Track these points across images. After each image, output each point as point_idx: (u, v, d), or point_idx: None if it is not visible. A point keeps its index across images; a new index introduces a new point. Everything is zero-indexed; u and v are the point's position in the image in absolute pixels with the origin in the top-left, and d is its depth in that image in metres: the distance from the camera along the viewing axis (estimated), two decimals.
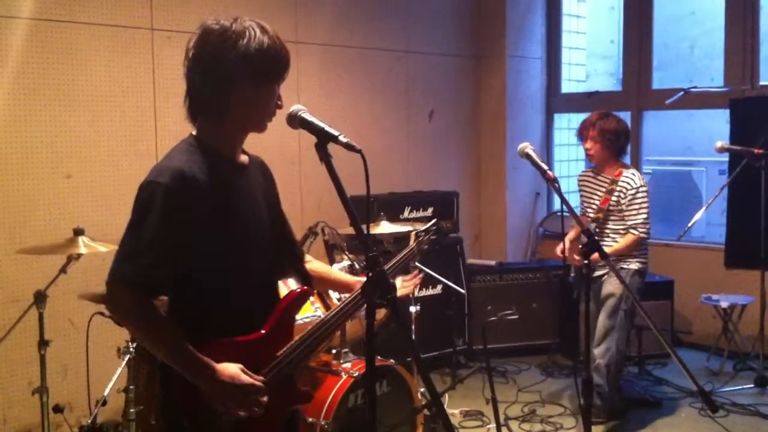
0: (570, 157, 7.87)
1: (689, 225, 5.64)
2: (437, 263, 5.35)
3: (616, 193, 4.76)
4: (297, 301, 2.44)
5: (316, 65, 5.92)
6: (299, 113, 2.24)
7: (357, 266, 4.23)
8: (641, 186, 4.74)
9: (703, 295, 5.90)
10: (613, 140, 4.81)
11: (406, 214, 5.98)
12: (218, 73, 2.21)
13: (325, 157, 2.18)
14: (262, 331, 2.31)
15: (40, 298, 3.81)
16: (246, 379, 2.18)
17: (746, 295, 5.77)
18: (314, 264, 2.68)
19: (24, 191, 4.36)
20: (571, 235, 4.95)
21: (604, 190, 4.85)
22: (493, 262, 6.55)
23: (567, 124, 7.80)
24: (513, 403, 5.23)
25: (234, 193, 2.29)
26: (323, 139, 2.19)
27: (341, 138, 2.17)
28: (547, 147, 7.63)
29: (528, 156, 3.43)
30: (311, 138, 2.23)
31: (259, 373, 2.25)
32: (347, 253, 4.32)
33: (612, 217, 4.81)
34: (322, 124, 2.21)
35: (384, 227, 4.72)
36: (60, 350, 4.33)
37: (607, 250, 4.51)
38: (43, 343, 3.84)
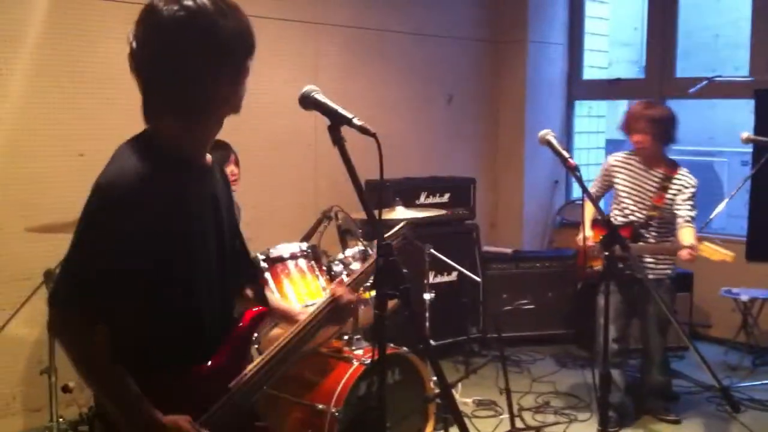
0: (590, 145, 7.76)
1: (711, 217, 5.52)
2: (452, 250, 5.28)
3: (672, 191, 4.60)
4: (253, 323, 2.16)
5: (335, 47, 5.84)
6: (312, 94, 2.16)
7: (370, 252, 4.17)
8: (695, 184, 4.62)
9: (723, 288, 5.80)
10: (664, 130, 4.60)
11: (422, 199, 5.90)
12: (196, 67, 1.93)
13: (338, 141, 2.10)
14: (210, 363, 2.02)
15: (49, 277, 3.78)
16: None
17: (767, 289, 5.66)
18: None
19: (36, 170, 4.32)
20: (589, 224, 4.82)
21: (655, 186, 4.65)
22: (508, 250, 6.46)
23: (588, 112, 7.69)
24: (526, 394, 5.16)
25: (192, 205, 1.99)
26: (337, 121, 2.11)
27: (355, 121, 2.09)
28: (567, 134, 7.51)
29: (549, 143, 3.35)
30: (326, 120, 2.15)
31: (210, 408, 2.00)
32: (360, 238, 4.26)
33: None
34: (335, 106, 2.13)
35: (399, 212, 4.64)
36: None
37: (686, 240, 4.37)
38: None
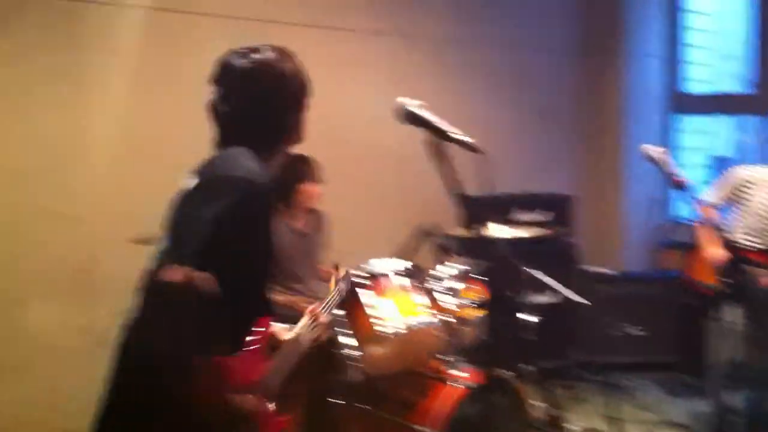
0: (693, 162, 7.42)
1: None
2: (549, 270, 5.06)
3: None
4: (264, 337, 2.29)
5: (423, 59, 5.74)
6: (414, 109, 2.03)
7: (469, 270, 4.01)
8: None
9: None
10: None
11: (518, 216, 5.71)
12: (269, 108, 2.25)
13: (440, 156, 1.97)
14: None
15: None
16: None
17: None
18: None
19: (143, 181, 4.32)
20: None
21: None
22: (609, 271, 6.19)
23: (690, 128, 7.36)
24: (631, 423, 4.88)
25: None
26: (440, 137, 1.98)
27: (461, 137, 1.95)
28: (669, 150, 7.19)
29: (651, 159, 3.12)
30: (420, 133, 2.03)
31: None
32: (455, 254, 4.11)
33: None
34: (440, 122, 2.00)
35: (496, 230, 4.46)
36: None
37: None
38: None
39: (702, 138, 7.56)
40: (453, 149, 2.02)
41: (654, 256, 6.95)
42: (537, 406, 4.20)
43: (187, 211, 2.14)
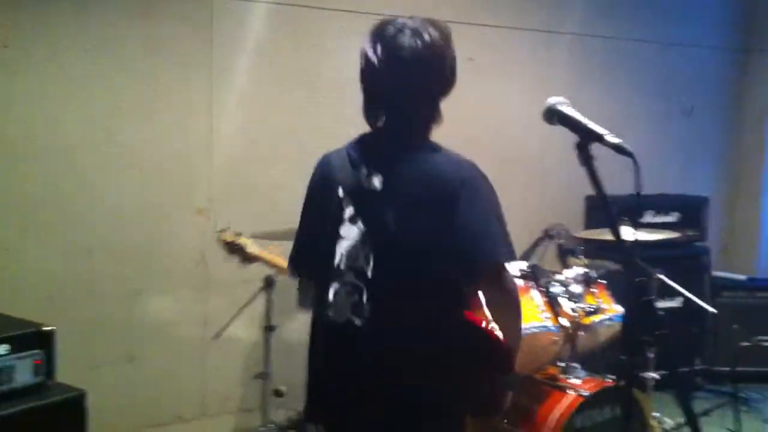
0: None
1: None
2: (678, 274, 4.89)
3: None
4: None
5: (567, 56, 5.60)
6: (558, 107, 1.98)
7: (592, 274, 3.93)
8: None
9: None
10: None
11: (648, 218, 5.53)
12: (433, 91, 2.24)
13: (587, 159, 1.92)
14: None
15: (269, 283, 3.85)
16: None
17: None
18: None
19: (271, 179, 4.43)
20: None
21: None
22: (742, 277, 5.93)
23: None
24: None
25: None
26: (587, 138, 1.93)
27: (609, 138, 1.90)
28: None
29: None
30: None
31: None
32: (581, 257, 4.03)
33: None
34: (586, 121, 1.96)
35: (624, 233, 4.32)
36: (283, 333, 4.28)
37: None
38: (269, 328, 3.88)
39: None
40: (598, 150, 1.97)
41: None
42: (658, 417, 4.10)
43: (447, 220, 2.14)
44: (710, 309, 4.46)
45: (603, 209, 1.92)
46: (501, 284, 2.23)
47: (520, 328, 2.32)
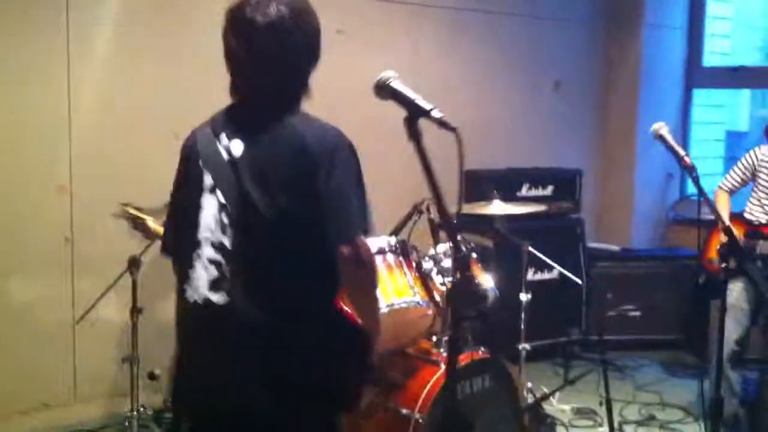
0: (708, 137, 7.26)
1: None
2: (554, 246, 4.99)
3: None
4: None
5: (435, 29, 5.61)
6: (388, 81, 1.94)
7: (465, 249, 3.93)
8: None
9: None
10: None
11: (524, 191, 5.62)
12: (312, 57, 2.22)
13: (414, 134, 1.90)
14: None
15: (134, 264, 3.73)
16: None
17: None
18: None
19: (136, 154, 4.28)
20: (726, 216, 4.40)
21: None
22: (616, 248, 6.10)
23: (706, 101, 7.18)
24: (629, 404, 4.83)
25: None
26: (414, 113, 1.91)
27: (434, 113, 1.88)
28: (683, 125, 7.04)
29: (662, 138, 3.02)
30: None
31: None
32: (457, 233, 4.02)
33: None
34: (413, 96, 1.93)
35: (496, 206, 4.37)
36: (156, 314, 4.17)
37: None
38: (136, 310, 3.76)
39: (719, 112, 7.40)
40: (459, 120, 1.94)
41: (665, 233, 6.84)
42: (528, 386, 4.17)
43: (301, 188, 2.09)
44: (577, 280, 4.54)
45: (429, 186, 1.88)
46: (357, 259, 2.12)
47: (377, 309, 2.30)
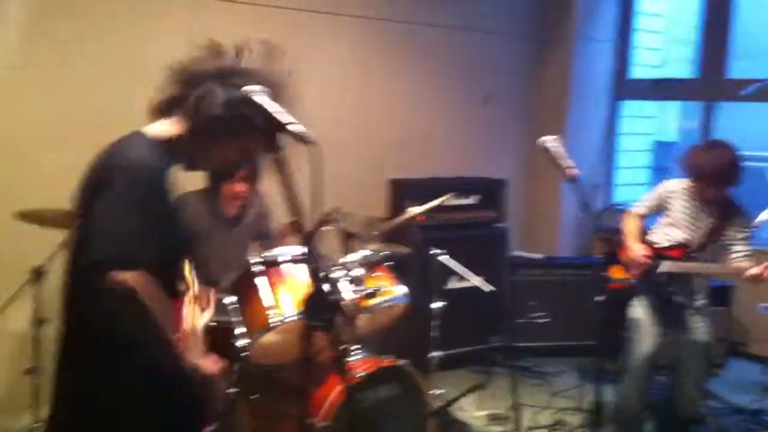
0: (637, 148, 7.43)
1: (754, 224, 5.18)
2: (478, 253, 5.09)
3: (733, 229, 4.38)
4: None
5: (364, 40, 5.67)
6: (250, 95, 2.01)
7: (376, 257, 4.01)
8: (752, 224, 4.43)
9: (762, 305, 5.46)
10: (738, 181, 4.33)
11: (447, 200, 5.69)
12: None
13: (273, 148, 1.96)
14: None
15: (39, 274, 3.72)
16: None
17: None
18: None
19: (27, 155, 4.23)
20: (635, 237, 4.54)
21: (714, 218, 4.39)
22: (539, 256, 6.22)
23: (636, 112, 7.35)
24: (544, 409, 4.94)
25: None
26: (274, 126, 1.98)
27: (292, 127, 1.95)
28: (611, 136, 7.20)
29: (546, 151, 3.13)
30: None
31: None
32: (365, 242, 4.10)
33: None
34: (273, 110, 1.99)
35: (411, 212, 4.44)
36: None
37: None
38: (39, 321, 3.75)
39: (647, 123, 7.58)
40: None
41: (590, 242, 6.98)
42: (436, 393, 4.25)
43: (88, 202, 2.14)
44: (489, 287, 4.64)
45: (288, 196, 1.95)
46: (112, 289, 2.01)
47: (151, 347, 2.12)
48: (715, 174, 4.20)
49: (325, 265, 3.94)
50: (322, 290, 1.92)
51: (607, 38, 7.04)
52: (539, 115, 6.90)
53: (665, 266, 4.34)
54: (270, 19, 5.12)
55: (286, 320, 3.49)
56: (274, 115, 1.98)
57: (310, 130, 2.01)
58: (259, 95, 2.04)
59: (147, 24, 4.53)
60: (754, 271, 4.08)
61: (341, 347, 3.84)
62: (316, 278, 1.92)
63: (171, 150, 2.18)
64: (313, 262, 1.96)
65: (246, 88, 2.05)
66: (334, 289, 1.96)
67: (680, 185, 4.47)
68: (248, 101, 2.03)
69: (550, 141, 3.17)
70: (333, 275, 3.85)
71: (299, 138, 1.95)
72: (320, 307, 1.91)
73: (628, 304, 4.52)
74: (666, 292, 4.36)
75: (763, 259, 4.17)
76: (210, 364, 2.28)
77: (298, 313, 2.10)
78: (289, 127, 1.96)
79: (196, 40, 2.26)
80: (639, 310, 4.42)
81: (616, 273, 4.59)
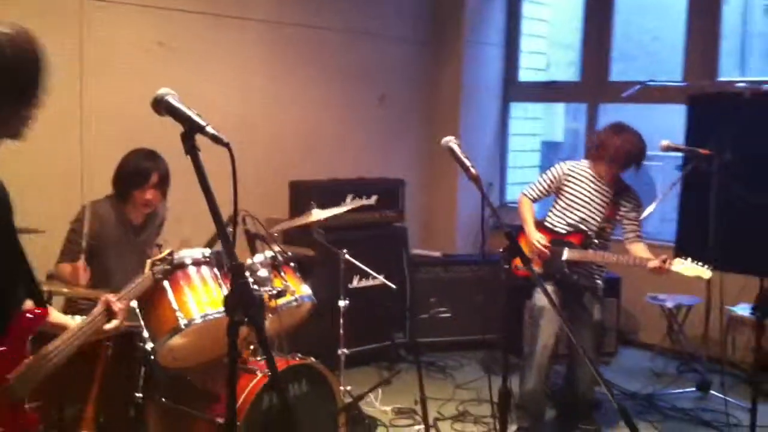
0: (525, 148, 7.70)
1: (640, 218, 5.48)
2: (379, 253, 5.19)
3: (625, 208, 4.70)
4: (31, 323, 2.30)
5: (261, 44, 5.71)
6: (165, 98, 2.03)
7: (281, 258, 4.04)
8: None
9: (649, 295, 5.77)
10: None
11: (348, 201, 5.78)
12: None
13: (191, 150, 1.99)
14: None
15: None
16: None
17: (693, 295, 5.63)
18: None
19: None
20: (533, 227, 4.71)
21: (607, 199, 4.65)
22: (438, 254, 6.38)
23: (523, 114, 7.63)
24: (448, 401, 5.08)
25: None
26: (190, 129, 2.01)
27: (208, 129, 2.00)
28: (502, 136, 7.45)
29: (451, 150, 3.23)
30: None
31: None
32: (270, 244, 4.12)
33: None
34: (189, 112, 2.02)
35: (315, 215, 4.50)
36: None
37: (644, 252, 4.54)
38: None
39: (535, 124, 7.86)
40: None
41: (485, 240, 7.18)
42: (345, 390, 4.31)
43: None
44: (391, 285, 4.74)
45: (206, 200, 1.99)
46: None
47: None
48: (626, 155, 4.47)
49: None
50: (246, 284, 1.96)
51: (496, 42, 7.28)
52: (434, 117, 7.07)
53: (568, 254, 4.51)
54: (175, 23, 5.11)
55: (193, 323, 3.48)
56: (192, 117, 2.01)
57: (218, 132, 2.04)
58: (172, 97, 2.06)
59: None
60: (654, 263, 4.31)
61: (251, 346, 3.89)
62: (238, 275, 1.96)
63: None
64: (234, 259, 1.98)
65: (160, 91, 2.07)
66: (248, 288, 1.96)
67: (578, 166, 4.67)
68: (164, 102, 2.04)
69: (453, 141, 3.27)
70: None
71: (214, 139, 1.98)
72: (245, 301, 1.95)
73: (531, 292, 4.63)
74: (569, 277, 4.52)
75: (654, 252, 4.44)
76: None
77: (223, 309, 2.11)
78: (206, 129, 1.99)
79: None
80: (542, 299, 4.50)
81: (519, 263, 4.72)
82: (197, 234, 4.54)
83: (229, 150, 1.95)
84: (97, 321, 2.60)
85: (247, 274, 3.86)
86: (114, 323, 2.64)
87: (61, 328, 2.50)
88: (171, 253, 3.47)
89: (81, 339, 2.49)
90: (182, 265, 3.67)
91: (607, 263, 4.60)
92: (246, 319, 1.96)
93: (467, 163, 3.16)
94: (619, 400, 5.04)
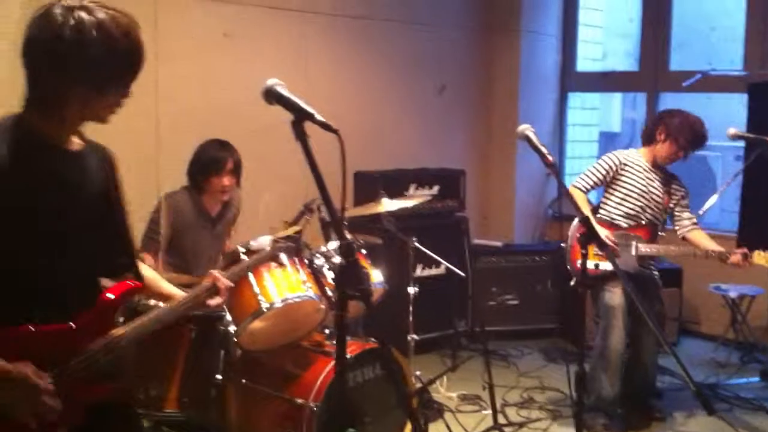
0: (583, 138, 7.70)
1: (701, 212, 5.46)
2: (440, 243, 5.24)
3: (676, 196, 4.74)
4: (122, 296, 2.24)
5: (322, 35, 5.79)
6: (275, 87, 2.13)
7: (355, 246, 4.12)
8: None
9: (712, 285, 5.76)
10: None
11: (411, 191, 5.87)
12: (60, 71, 2.01)
13: (301, 136, 2.08)
14: (72, 324, 2.11)
15: None
16: (35, 381, 1.97)
17: (756, 285, 5.61)
18: (143, 269, 2.46)
19: None
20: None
21: (662, 188, 4.67)
22: (498, 243, 6.43)
23: (581, 104, 7.62)
24: (512, 388, 5.14)
25: (49, 183, 2.08)
26: (299, 116, 2.10)
27: (317, 117, 2.07)
28: (560, 126, 7.46)
29: (528, 139, 3.27)
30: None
31: (65, 365, 2.07)
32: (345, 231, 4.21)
33: None
34: (298, 101, 2.11)
35: (384, 205, 4.58)
36: None
37: (709, 243, 4.59)
38: None
39: (592, 114, 7.85)
40: (348, 125, 2.11)
41: (544, 229, 7.24)
42: (417, 375, 4.40)
43: None
44: (460, 273, 4.80)
45: (316, 183, 2.08)
46: None
47: None
48: (690, 128, 4.48)
49: (310, 252, 4.06)
50: (357, 262, 2.04)
51: (553, 32, 7.29)
52: (492, 107, 7.11)
53: (642, 249, 4.50)
54: (238, 15, 5.22)
55: (274, 306, 3.59)
56: (302, 105, 2.10)
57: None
58: (282, 87, 2.14)
59: None
60: (736, 258, 4.35)
61: (326, 330, 3.99)
62: (348, 253, 2.04)
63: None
64: (345, 239, 2.06)
65: (269, 81, 2.15)
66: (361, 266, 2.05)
67: (631, 156, 4.66)
68: (274, 92, 2.13)
69: (529, 129, 3.30)
70: (316, 262, 3.99)
71: (324, 126, 2.07)
72: (357, 276, 2.03)
73: (602, 289, 4.56)
74: (640, 273, 4.51)
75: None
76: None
77: (334, 284, 2.20)
78: (315, 117, 2.08)
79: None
80: (615, 298, 4.48)
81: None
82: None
83: (339, 137, 2.03)
84: (201, 295, 2.60)
85: (323, 260, 3.99)
86: (217, 299, 2.65)
87: (169, 298, 2.54)
88: (299, 232, 3.56)
89: (180, 310, 2.48)
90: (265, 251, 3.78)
91: (679, 256, 4.58)
92: (357, 294, 2.03)
93: (544, 150, 3.20)
94: (683, 389, 5.09)
